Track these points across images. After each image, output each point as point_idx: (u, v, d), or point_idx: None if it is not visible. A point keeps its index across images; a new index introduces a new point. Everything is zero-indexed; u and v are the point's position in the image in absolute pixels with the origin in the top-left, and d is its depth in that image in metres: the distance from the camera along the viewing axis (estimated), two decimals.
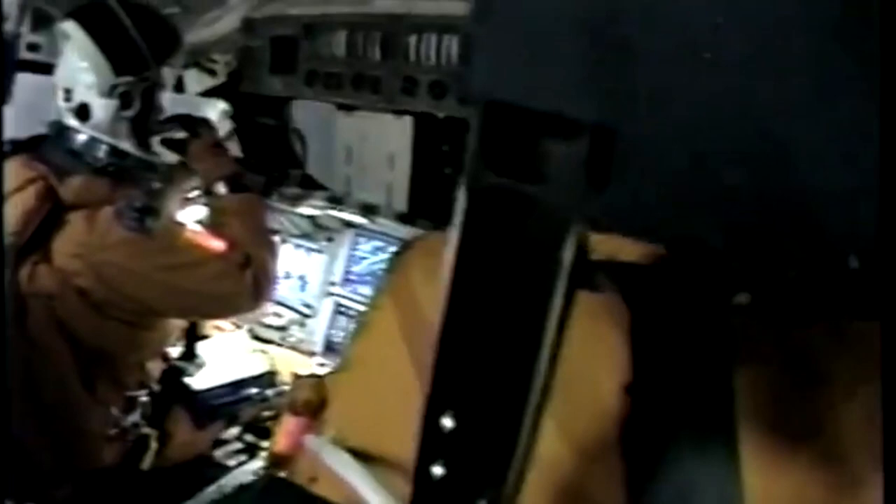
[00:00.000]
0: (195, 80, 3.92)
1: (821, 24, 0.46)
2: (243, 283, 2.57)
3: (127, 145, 2.68)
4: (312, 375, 1.30)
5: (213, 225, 2.74)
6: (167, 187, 2.73)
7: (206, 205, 2.89)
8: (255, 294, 2.64)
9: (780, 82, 0.48)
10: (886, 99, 0.46)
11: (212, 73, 3.98)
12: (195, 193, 3.05)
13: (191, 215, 3.18)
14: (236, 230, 2.65)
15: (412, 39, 3.13)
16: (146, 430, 2.87)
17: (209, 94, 4.01)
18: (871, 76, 0.45)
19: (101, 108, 2.58)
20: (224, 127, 3.52)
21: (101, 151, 2.61)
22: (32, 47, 3.83)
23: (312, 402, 1.17)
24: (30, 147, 2.63)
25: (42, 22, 3.83)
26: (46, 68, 2.95)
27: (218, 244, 2.61)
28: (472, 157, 0.61)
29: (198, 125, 2.91)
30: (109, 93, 2.56)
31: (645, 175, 0.54)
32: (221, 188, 2.73)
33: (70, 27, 2.57)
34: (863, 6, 0.46)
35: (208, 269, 2.53)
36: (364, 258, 3.99)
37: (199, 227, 2.84)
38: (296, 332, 4.08)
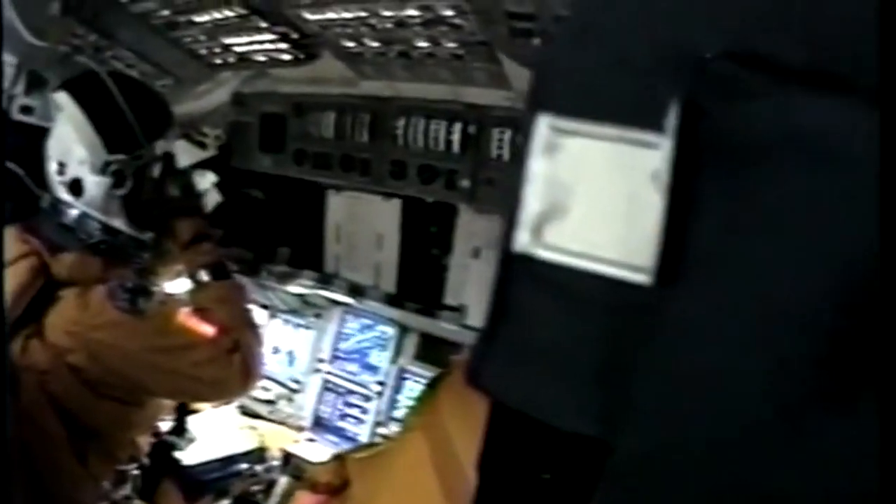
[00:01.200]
0: (185, 152, 3.93)
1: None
2: (232, 369, 2.54)
3: (119, 223, 2.64)
4: (334, 457, 1.38)
5: (198, 309, 2.72)
6: (157, 267, 2.73)
7: (189, 290, 2.88)
8: (243, 379, 2.61)
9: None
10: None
11: (202, 145, 3.99)
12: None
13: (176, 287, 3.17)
14: (223, 316, 2.63)
15: (400, 122, 3.17)
16: (136, 503, 2.82)
17: (199, 166, 4.02)
18: None
19: (94, 184, 2.55)
20: (213, 199, 3.51)
21: (94, 228, 2.58)
22: (26, 110, 3.95)
23: (333, 484, 1.28)
24: (22, 216, 2.61)
25: (36, 85, 3.93)
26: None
27: (207, 328, 2.59)
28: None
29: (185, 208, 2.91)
30: (102, 170, 2.53)
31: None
32: (204, 275, 2.72)
33: (63, 99, 2.55)
34: None
35: (199, 353, 2.50)
36: (352, 335, 4.02)
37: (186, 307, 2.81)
38: (284, 407, 4.10)
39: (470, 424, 0.89)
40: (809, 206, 0.49)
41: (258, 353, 2.76)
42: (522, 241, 0.63)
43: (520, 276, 0.64)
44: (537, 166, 0.63)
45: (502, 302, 0.65)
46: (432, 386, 1.17)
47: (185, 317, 2.61)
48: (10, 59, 3.65)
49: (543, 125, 0.63)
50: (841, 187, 0.48)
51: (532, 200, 0.63)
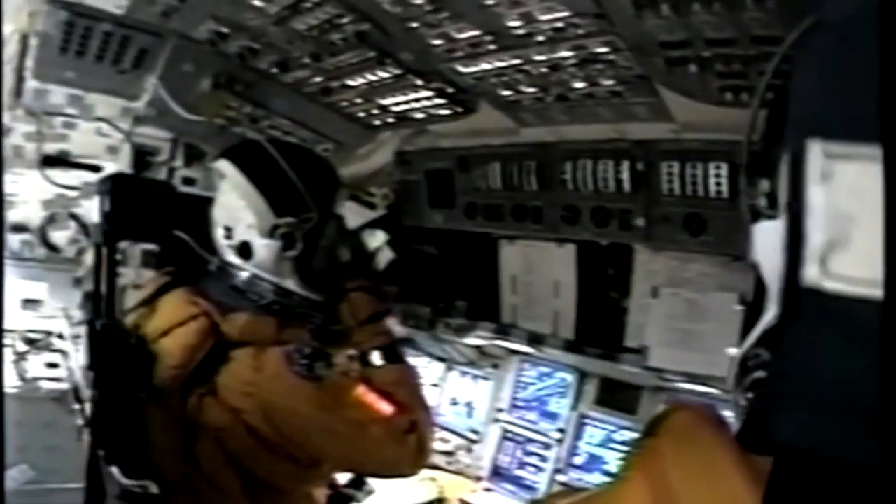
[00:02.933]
0: (354, 213, 4.03)
1: None
2: (407, 449, 2.48)
3: (291, 284, 2.64)
4: None
5: (373, 388, 2.71)
6: (333, 341, 2.75)
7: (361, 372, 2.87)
8: (416, 460, 2.54)
9: None
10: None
11: (371, 205, 4.09)
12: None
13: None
14: (401, 396, 2.60)
15: (567, 166, 3.06)
16: None
17: (369, 226, 4.12)
18: None
19: (263, 247, 2.56)
20: (385, 258, 3.56)
21: (266, 289, 2.59)
22: (188, 181, 4.15)
23: None
24: (190, 279, 2.73)
25: (194, 157, 4.14)
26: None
27: (386, 407, 2.57)
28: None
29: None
30: (270, 233, 2.53)
31: None
32: (377, 359, 2.71)
33: (225, 166, 2.60)
34: None
35: (375, 430, 2.46)
36: (531, 384, 3.91)
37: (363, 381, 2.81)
38: (462, 458, 4.06)
39: (696, 471, 0.95)
40: None
41: (432, 434, 2.70)
42: (811, 275, 0.63)
43: (808, 312, 0.64)
44: (815, 196, 0.63)
45: (793, 343, 0.67)
46: (650, 431, 1.10)
47: (363, 391, 2.59)
48: (164, 134, 3.96)
49: (816, 152, 0.63)
50: None
51: (815, 232, 0.63)
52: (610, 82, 2.54)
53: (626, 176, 2.88)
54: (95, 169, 3.90)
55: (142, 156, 3.99)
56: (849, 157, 0.61)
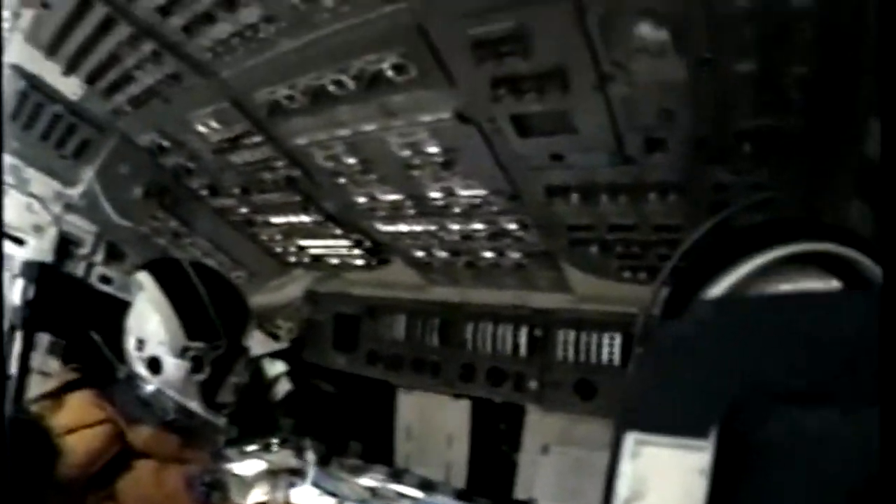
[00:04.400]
0: (258, 342, 4.05)
1: None
2: None
3: (195, 406, 2.61)
4: None
5: None
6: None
7: None
8: None
9: None
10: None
11: (275, 336, 4.12)
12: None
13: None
14: None
15: (469, 327, 3.22)
16: None
17: (271, 356, 4.13)
18: None
19: (172, 366, 2.55)
20: (283, 388, 3.55)
21: (170, 406, 2.55)
22: (105, 280, 4.05)
23: None
24: (97, 381, 2.67)
25: (115, 256, 4.05)
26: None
27: None
28: None
29: None
30: (181, 354, 2.53)
31: None
32: None
33: (145, 279, 2.63)
34: None
35: None
36: None
37: None
38: None
39: None
40: (808, 487, 0.79)
41: None
42: None
43: None
44: (625, 467, 0.96)
45: None
46: None
47: None
48: (90, 227, 3.89)
49: (630, 439, 0.95)
50: (825, 473, 0.78)
51: (622, 489, 0.95)
52: (516, 255, 2.73)
53: (523, 340, 3.04)
54: (18, 241, 3.83)
55: (65, 243, 3.94)
56: (650, 444, 0.93)
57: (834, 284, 1.28)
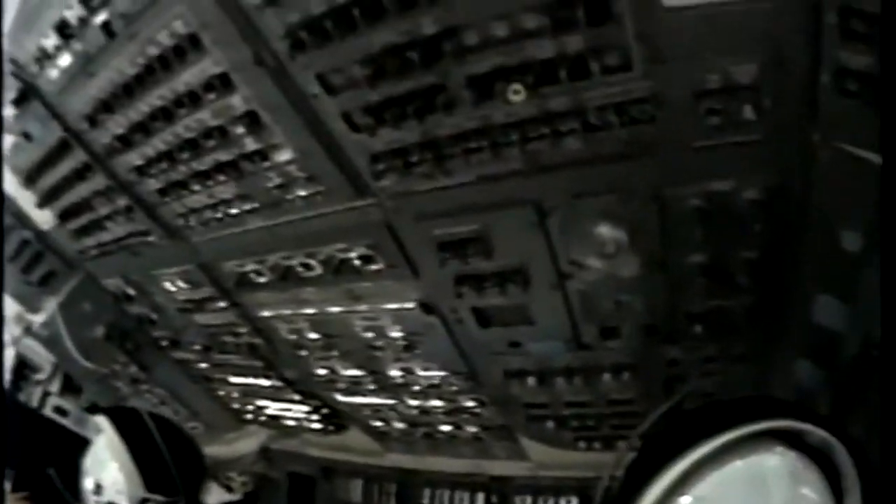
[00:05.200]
0: (212, 492, 3.91)
1: None
2: None
3: None
4: None
5: None
6: None
7: None
8: None
9: None
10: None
11: (228, 488, 3.99)
12: None
13: None
14: None
15: (426, 493, 3.16)
16: None
17: None
18: None
19: None
20: None
21: None
22: (60, 411, 4.00)
23: None
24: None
25: (71, 390, 4.01)
26: None
27: None
28: None
29: None
30: None
31: None
32: None
33: (106, 426, 2.60)
34: None
35: None
36: None
37: None
38: None
39: None
40: None
41: None
42: None
43: None
44: None
45: None
46: None
47: None
48: (49, 356, 3.85)
49: None
50: None
51: None
52: (474, 429, 2.72)
53: None
54: None
55: (22, 366, 3.85)
56: None
57: (789, 454, 1.33)
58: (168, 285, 2.78)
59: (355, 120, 1.69)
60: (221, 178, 2.03)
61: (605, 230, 1.70)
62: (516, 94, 1.46)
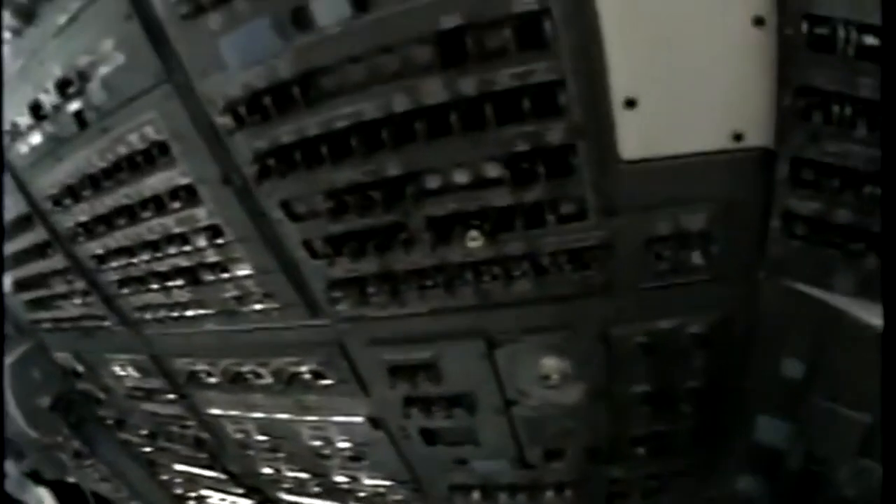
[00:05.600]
0: None
1: None
2: None
3: None
4: None
5: None
6: None
7: None
8: None
9: None
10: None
11: None
12: None
13: None
14: None
15: None
16: None
17: None
18: None
19: None
20: None
21: None
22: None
23: None
24: None
25: (14, 454, 3.89)
26: None
27: None
28: None
29: None
30: None
31: None
32: None
33: (47, 498, 2.56)
34: None
35: None
36: None
37: None
38: None
39: None
40: None
41: None
42: None
43: None
44: None
45: None
46: None
47: None
48: None
49: None
50: None
51: None
52: None
53: None
54: None
55: None
56: None
57: None
58: (118, 370, 2.71)
59: (315, 247, 1.68)
60: (180, 281, 1.99)
61: (551, 362, 1.74)
62: (473, 240, 1.49)
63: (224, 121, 1.51)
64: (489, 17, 1.22)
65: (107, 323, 2.47)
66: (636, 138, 1.30)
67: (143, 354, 2.50)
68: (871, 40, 1.05)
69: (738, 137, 1.25)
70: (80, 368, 2.99)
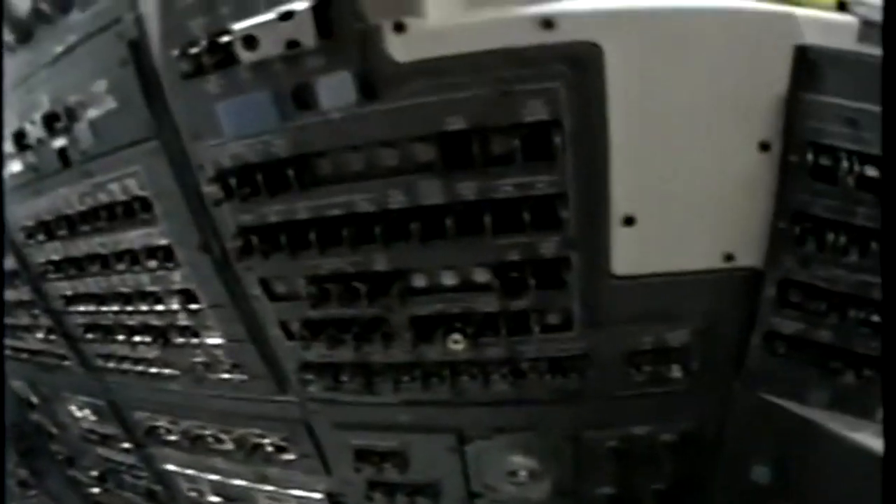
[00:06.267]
0: None
1: None
2: None
3: None
4: None
5: None
6: None
7: None
8: None
9: None
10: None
11: None
12: None
13: None
14: None
15: None
16: None
17: None
18: None
19: None
20: None
21: None
22: None
23: None
24: None
25: None
26: None
27: None
28: None
29: None
30: None
31: None
32: None
33: None
34: None
35: None
36: None
37: None
38: None
39: None
40: None
41: None
42: None
43: None
44: None
45: None
46: None
47: None
48: None
49: None
50: None
51: None
52: None
53: None
54: None
55: None
56: None
57: None
58: (74, 409, 2.58)
59: (291, 329, 1.59)
60: (148, 338, 1.89)
61: (520, 460, 1.71)
62: (456, 343, 1.44)
63: (211, 189, 1.42)
64: (497, 124, 1.17)
65: (67, 363, 2.35)
66: (630, 255, 1.28)
67: (103, 400, 2.38)
68: (871, 171, 1.05)
69: (728, 258, 1.25)
70: (35, 400, 2.86)
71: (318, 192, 1.33)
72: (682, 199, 1.21)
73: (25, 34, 1.83)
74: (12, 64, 1.84)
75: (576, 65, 1.11)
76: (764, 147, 1.14)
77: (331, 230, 1.34)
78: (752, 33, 1.09)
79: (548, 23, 1.09)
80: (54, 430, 2.92)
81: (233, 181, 1.37)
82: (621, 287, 1.31)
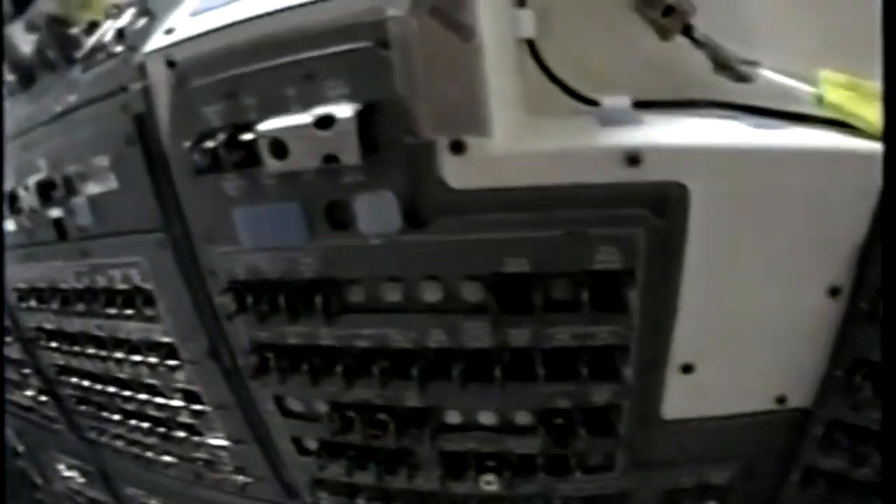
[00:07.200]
0: None
1: None
2: None
3: None
4: None
5: None
6: None
7: None
8: None
9: None
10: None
11: None
12: None
13: None
14: None
15: None
16: None
17: None
18: None
19: None
20: None
21: None
22: None
23: None
24: None
25: None
26: None
27: None
28: None
29: None
30: None
31: None
32: None
33: None
34: None
35: None
36: None
37: None
38: None
39: None
40: None
41: None
42: None
43: None
44: None
45: None
46: None
47: None
48: None
49: None
50: None
51: None
52: None
53: None
54: None
55: None
56: None
57: None
58: (62, 468, 2.41)
59: (306, 446, 1.41)
60: (146, 425, 1.71)
61: None
62: (489, 484, 1.29)
63: (224, 300, 1.24)
64: (561, 270, 1.01)
65: (58, 427, 2.17)
66: (682, 401, 1.15)
67: (93, 467, 2.20)
68: None
69: (780, 401, 1.13)
70: (21, 448, 2.69)
71: (348, 321, 1.15)
72: (744, 344, 1.08)
73: (28, 78, 1.66)
74: (12, 110, 1.66)
75: (659, 208, 0.95)
76: (833, 292, 1.02)
77: (359, 361, 1.17)
78: (842, 174, 0.94)
79: (634, 159, 0.92)
80: (39, 482, 2.74)
81: (249, 297, 1.20)
82: (668, 430, 1.19)
